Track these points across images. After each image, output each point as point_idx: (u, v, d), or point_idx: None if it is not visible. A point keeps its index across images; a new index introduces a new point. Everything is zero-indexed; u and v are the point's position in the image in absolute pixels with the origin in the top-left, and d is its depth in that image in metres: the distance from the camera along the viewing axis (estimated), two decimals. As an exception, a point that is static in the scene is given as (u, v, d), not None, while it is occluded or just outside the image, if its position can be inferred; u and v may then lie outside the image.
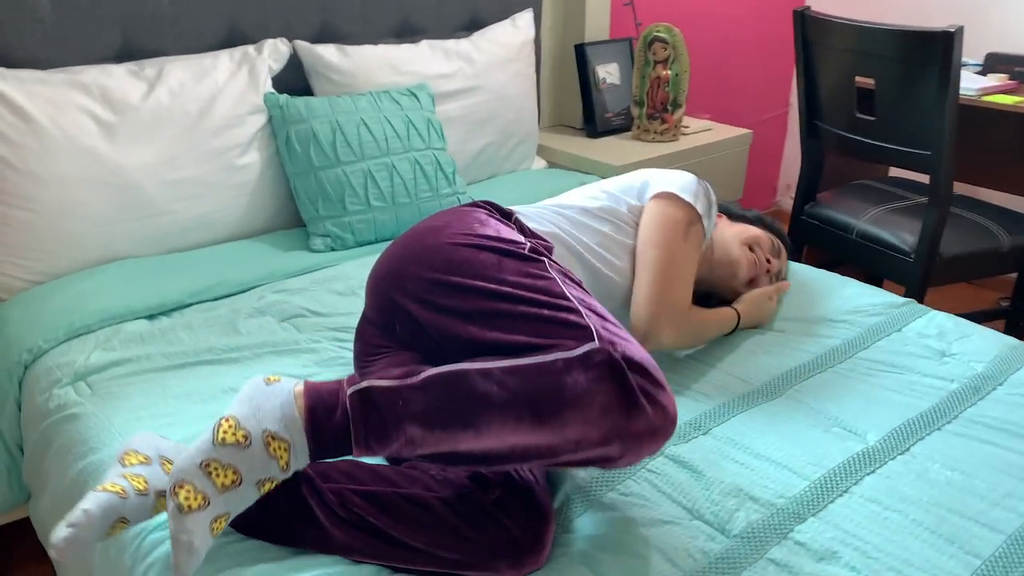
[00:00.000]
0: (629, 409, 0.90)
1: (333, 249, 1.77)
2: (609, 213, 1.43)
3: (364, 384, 0.91)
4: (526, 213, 1.37)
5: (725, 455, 1.17)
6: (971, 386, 1.36)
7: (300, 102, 1.81)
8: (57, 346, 1.39)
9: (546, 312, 1.03)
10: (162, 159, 1.65)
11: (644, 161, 2.37)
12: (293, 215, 1.87)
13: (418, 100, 1.94)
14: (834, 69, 2.16)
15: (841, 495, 1.10)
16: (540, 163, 2.44)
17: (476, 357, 0.96)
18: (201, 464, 0.84)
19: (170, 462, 0.93)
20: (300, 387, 0.92)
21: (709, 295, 1.59)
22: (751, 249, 1.57)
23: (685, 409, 1.28)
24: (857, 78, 2.10)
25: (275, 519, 0.95)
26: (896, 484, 1.12)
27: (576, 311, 1.03)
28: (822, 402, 1.31)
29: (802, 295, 1.68)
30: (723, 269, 1.55)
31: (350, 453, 0.90)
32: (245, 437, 0.86)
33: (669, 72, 2.47)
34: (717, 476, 1.12)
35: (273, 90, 1.84)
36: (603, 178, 2.24)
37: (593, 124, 2.57)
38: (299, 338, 1.46)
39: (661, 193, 1.43)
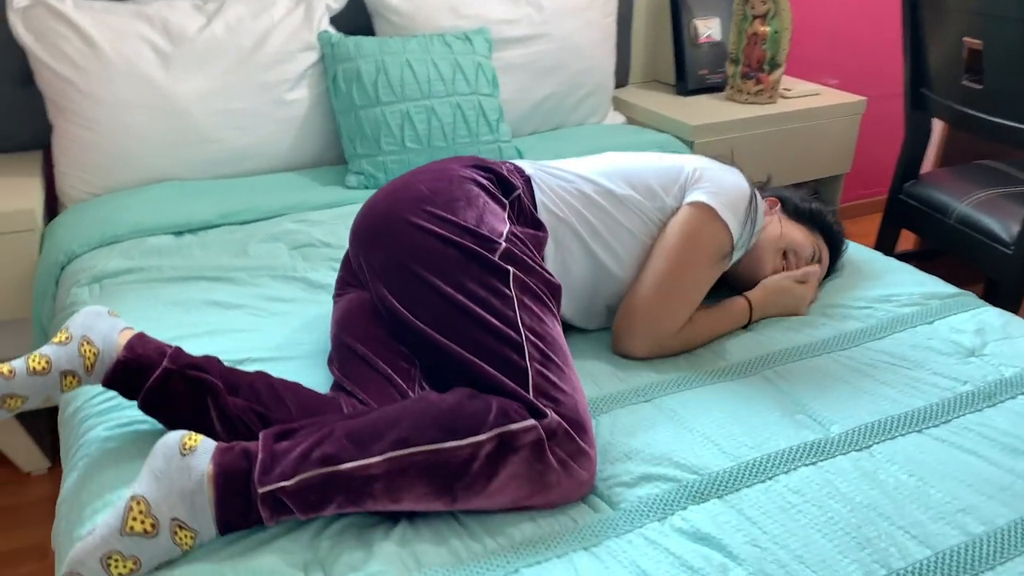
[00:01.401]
0: (542, 488, 0.96)
1: (366, 187, 1.84)
2: (637, 207, 1.30)
3: (276, 487, 0.88)
4: (543, 182, 1.30)
5: (656, 424, 1.12)
6: (986, 391, 1.22)
7: (351, 41, 1.87)
8: (89, 251, 1.56)
9: (490, 340, 1.04)
10: (213, 89, 1.78)
11: (731, 123, 2.25)
12: (340, 152, 1.95)
13: (472, 44, 1.96)
14: (943, 31, 1.94)
15: (763, 481, 1.03)
16: (618, 118, 2.38)
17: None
18: (102, 558, 0.83)
19: (90, 343, 1.01)
20: (211, 468, 0.88)
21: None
22: (785, 256, 1.44)
23: (637, 377, 1.24)
24: (966, 40, 1.87)
25: (174, 414, 1.02)
26: (834, 479, 1.04)
27: (520, 347, 1.03)
28: (798, 387, 1.22)
29: (840, 277, 1.55)
30: (746, 267, 1.42)
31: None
32: (153, 526, 0.85)
33: (767, 28, 2.32)
34: (638, 443, 1.09)
35: (329, 28, 1.92)
36: (679, 138, 2.17)
37: (684, 81, 2.47)
38: (300, 266, 1.54)
39: (703, 205, 1.28)
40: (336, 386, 1.16)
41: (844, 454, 1.08)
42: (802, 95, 2.47)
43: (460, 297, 1.07)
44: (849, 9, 2.88)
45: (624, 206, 1.31)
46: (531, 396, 0.99)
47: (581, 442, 0.99)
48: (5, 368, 0.95)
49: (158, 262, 1.52)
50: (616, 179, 1.33)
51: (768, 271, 1.43)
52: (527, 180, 1.30)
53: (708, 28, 2.50)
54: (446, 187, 1.20)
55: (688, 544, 0.93)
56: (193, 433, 0.92)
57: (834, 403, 1.19)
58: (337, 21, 1.99)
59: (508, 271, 1.10)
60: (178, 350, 1.05)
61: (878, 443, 1.11)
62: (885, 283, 1.52)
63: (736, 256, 1.33)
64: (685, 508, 0.98)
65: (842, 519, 0.97)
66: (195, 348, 1.26)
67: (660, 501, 0.99)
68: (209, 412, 1.00)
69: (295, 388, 1.07)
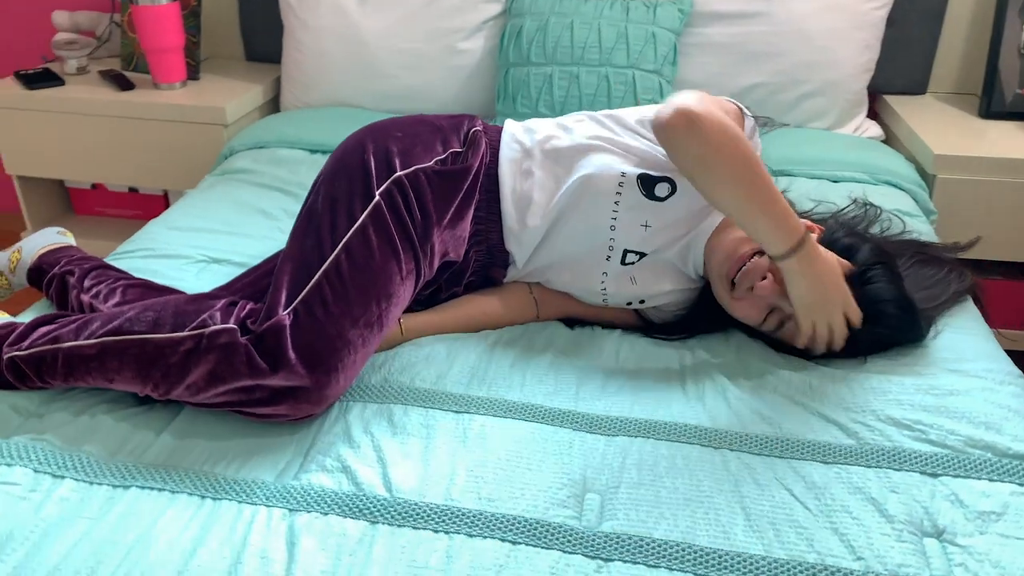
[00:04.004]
0: (245, 393, 1.02)
1: (496, 145, 1.88)
2: (613, 119, 1.29)
3: (12, 354, 1.07)
4: (519, 127, 1.32)
5: (430, 436, 1.04)
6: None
7: (532, -4, 1.90)
8: (243, 150, 1.91)
9: (308, 246, 1.11)
10: (394, 27, 1.99)
11: (1004, 162, 1.73)
12: (504, 107, 2.01)
13: (655, 13, 1.82)
14: None
15: (437, 532, 0.91)
16: (871, 129, 1.98)
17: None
18: None
19: (19, 251, 1.41)
20: None
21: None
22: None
23: (509, 390, 1.14)
24: None
25: (61, 304, 1.31)
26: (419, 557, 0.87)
27: (322, 261, 1.08)
28: (644, 466, 1.00)
29: (891, 371, 1.17)
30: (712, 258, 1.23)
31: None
32: None
33: (1116, 40, 1.68)
34: (390, 442, 1.03)
35: (524, -18, 1.97)
36: (920, 168, 1.82)
37: (989, 99, 1.93)
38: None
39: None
40: None
41: (567, 551, 0.89)
42: None
43: (323, 204, 1.15)
44: None
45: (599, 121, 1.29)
46: (288, 303, 1.04)
47: (295, 359, 1.00)
48: None
49: (269, 170, 1.80)
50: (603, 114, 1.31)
51: (724, 261, 1.20)
52: (476, 133, 1.29)
53: (1059, 33, 1.90)
54: (407, 122, 1.28)
55: (276, 542, 0.89)
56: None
57: (649, 500, 0.95)
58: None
59: (373, 198, 1.13)
60: (81, 260, 1.34)
61: (629, 560, 0.88)
62: (940, 407, 1.10)
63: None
64: (326, 515, 0.93)
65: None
66: (203, 241, 1.53)
67: (321, 496, 0.95)
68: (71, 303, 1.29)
69: (140, 288, 1.26)
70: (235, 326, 1.02)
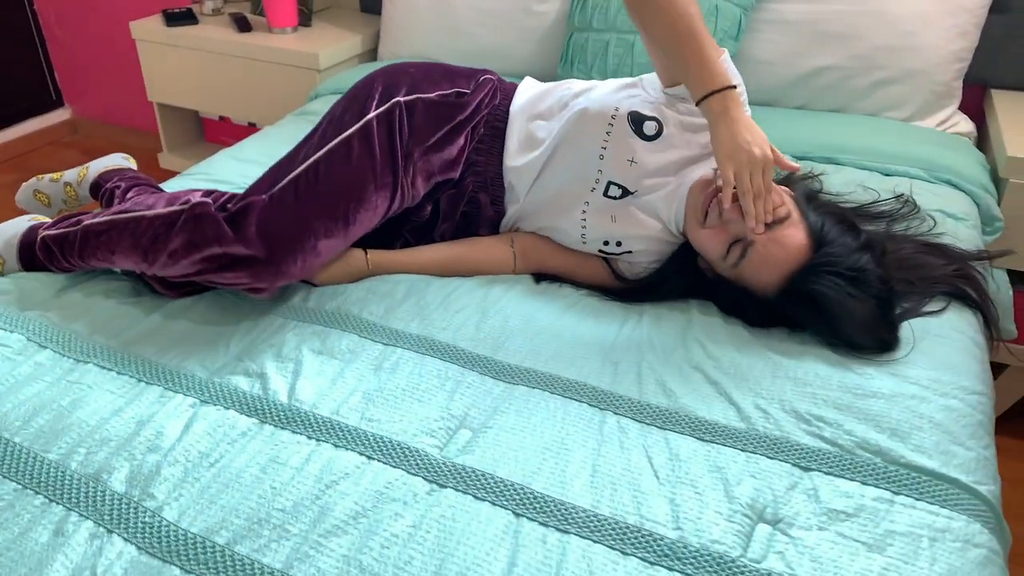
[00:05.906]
0: (215, 262, 1.20)
1: (552, 108, 1.96)
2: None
3: (44, 233, 1.33)
4: (531, 87, 1.46)
5: (355, 356, 1.17)
6: (665, 550, 0.90)
7: (604, -38, 1.94)
8: (325, 95, 2.12)
9: (299, 150, 1.32)
10: (465, -12, 2.11)
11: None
12: (573, 71, 2.07)
13: (722, -15, 1.81)
14: None
15: (298, 433, 1.04)
16: (960, 124, 1.86)
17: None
18: None
19: (87, 168, 1.65)
20: (28, 226, 1.37)
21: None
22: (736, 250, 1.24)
23: (432, 323, 1.25)
24: None
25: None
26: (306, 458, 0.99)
27: (299, 162, 1.28)
28: (500, 394, 1.09)
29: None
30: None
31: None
32: None
33: None
34: (332, 354, 1.18)
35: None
36: (991, 169, 1.71)
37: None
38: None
39: None
40: None
41: (411, 472, 0.99)
42: None
43: (323, 125, 1.34)
44: None
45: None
46: (267, 191, 1.23)
47: (254, 230, 1.19)
48: (44, 176, 1.66)
49: (336, 112, 1.99)
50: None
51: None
52: (489, 82, 1.44)
53: None
54: (424, 64, 1.46)
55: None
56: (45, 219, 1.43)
57: (512, 444, 1.04)
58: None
59: (365, 116, 1.31)
60: (131, 178, 1.59)
61: (461, 490, 0.97)
62: (853, 407, 1.08)
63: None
64: (227, 409, 1.08)
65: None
66: (251, 170, 1.74)
67: (230, 394, 1.11)
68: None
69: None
70: (210, 200, 1.22)
